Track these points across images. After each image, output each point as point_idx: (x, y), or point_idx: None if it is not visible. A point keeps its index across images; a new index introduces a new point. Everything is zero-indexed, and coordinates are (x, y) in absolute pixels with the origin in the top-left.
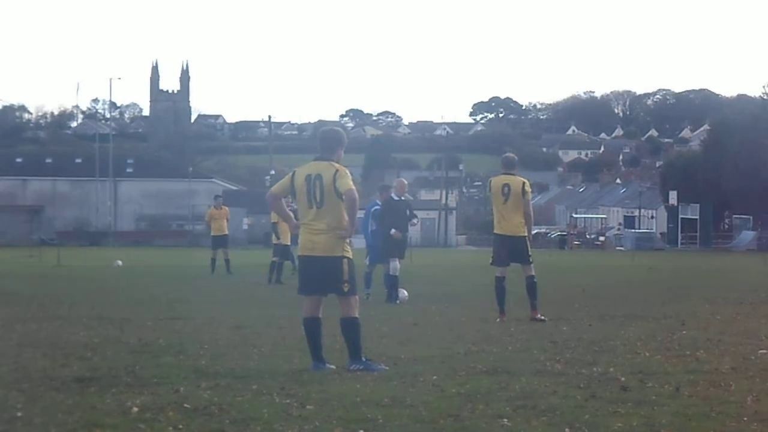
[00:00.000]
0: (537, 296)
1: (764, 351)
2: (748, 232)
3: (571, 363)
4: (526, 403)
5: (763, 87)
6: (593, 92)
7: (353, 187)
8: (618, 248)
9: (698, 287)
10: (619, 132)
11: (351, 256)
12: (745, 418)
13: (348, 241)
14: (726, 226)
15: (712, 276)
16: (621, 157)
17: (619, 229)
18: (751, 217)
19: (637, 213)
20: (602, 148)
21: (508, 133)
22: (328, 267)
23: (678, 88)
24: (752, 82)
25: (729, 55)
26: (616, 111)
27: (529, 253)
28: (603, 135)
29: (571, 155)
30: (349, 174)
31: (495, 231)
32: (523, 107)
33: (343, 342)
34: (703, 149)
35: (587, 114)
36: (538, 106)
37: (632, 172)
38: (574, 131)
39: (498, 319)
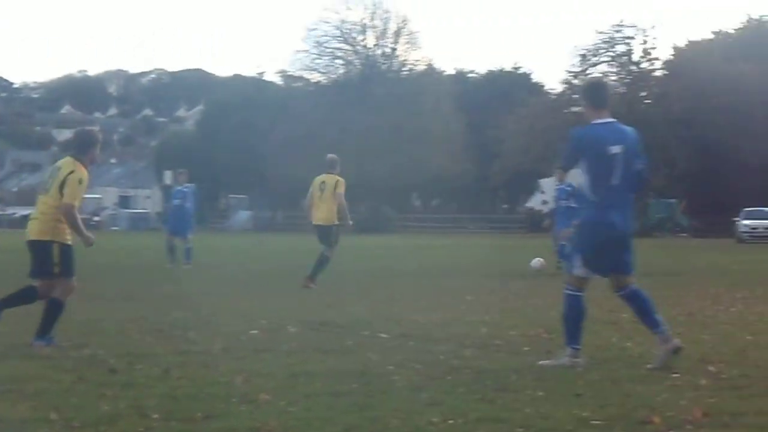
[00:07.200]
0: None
1: (255, 331)
2: (243, 212)
3: (60, 346)
4: (12, 387)
5: (258, 67)
6: (87, 71)
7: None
8: (113, 228)
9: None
10: (114, 111)
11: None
12: (234, 399)
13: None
14: (222, 206)
15: (200, 257)
16: (116, 137)
17: (114, 209)
18: (246, 197)
19: (132, 193)
20: (98, 127)
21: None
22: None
23: (173, 68)
24: (247, 63)
25: (224, 35)
26: (110, 90)
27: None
28: (98, 114)
29: (66, 134)
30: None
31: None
32: (15, 85)
33: None
34: (198, 129)
35: (82, 93)
36: (31, 85)
37: (127, 152)
38: (69, 110)
39: None
